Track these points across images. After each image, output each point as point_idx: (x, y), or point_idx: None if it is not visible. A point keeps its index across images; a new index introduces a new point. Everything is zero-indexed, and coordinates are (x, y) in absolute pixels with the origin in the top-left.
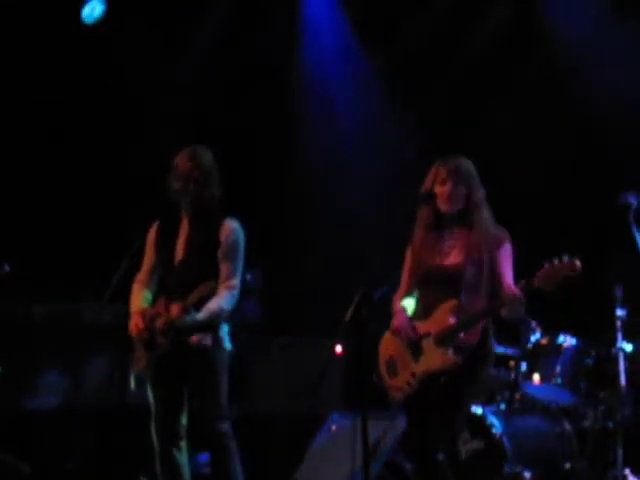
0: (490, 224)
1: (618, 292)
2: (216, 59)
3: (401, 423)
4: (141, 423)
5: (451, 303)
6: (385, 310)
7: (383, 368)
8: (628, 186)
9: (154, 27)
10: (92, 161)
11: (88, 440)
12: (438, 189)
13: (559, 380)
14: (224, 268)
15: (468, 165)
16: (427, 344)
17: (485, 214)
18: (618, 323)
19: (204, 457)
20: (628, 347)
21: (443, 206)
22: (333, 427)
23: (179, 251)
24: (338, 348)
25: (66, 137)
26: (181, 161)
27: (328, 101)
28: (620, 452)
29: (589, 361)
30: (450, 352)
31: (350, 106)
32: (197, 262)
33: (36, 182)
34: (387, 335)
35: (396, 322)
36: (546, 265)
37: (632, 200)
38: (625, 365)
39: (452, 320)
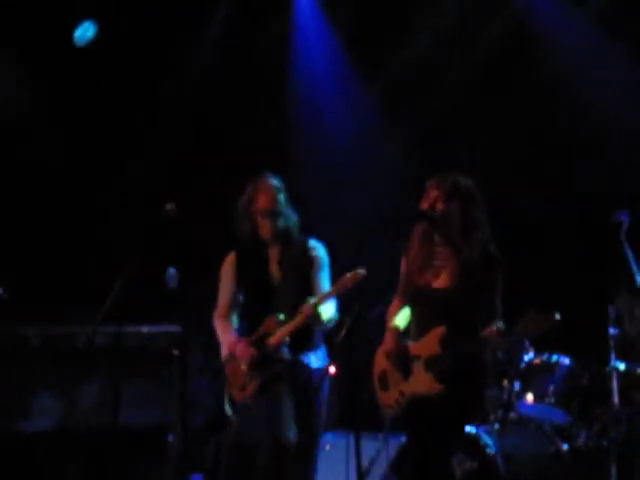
0: (480, 247)
1: (611, 311)
2: (209, 75)
3: (394, 443)
4: (134, 444)
5: (439, 330)
6: (380, 329)
7: (376, 381)
8: (620, 204)
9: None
10: (83, 183)
11: (81, 462)
12: (426, 206)
13: (553, 399)
14: (319, 284)
15: (464, 184)
16: (417, 367)
17: (478, 236)
18: (611, 342)
19: (197, 478)
20: (621, 366)
21: (429, 225)
22: (327, 447)
23: (275, 273)
24: (331, 368)
25: (56, 162)
26: (266, 188)
27: (320, 118)
28: (614, 471)
29: (582, 380)
30: (436, 379)
31: (342, 122)
32: (295, 280)
33: (28, 205)
34: (381, 349)
35: (386, 344)
36: (529, 315)
37: (624, 218)
38: (618, 384)
39: (439, 348)
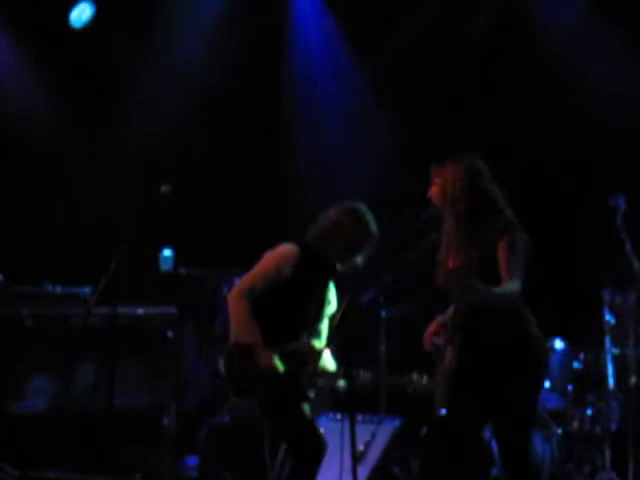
0: (462, 219)
1: (606, 296)
2: (202, 64)
3: (389, 427)
4: (129, 426)
5: (453, 305)
6: (375, 312)
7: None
8: (617, 188)
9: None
10: (78, 163)
11: (76, 444)
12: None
13: (547, 384)
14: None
15: (439, 164)
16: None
17: (451, 210)
18: (606, 327)
19: (192, 460)
20: (616, 351)
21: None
22: (321, 430)
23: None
24: (327, 352)
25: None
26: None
27: (316, 107)
28: (608, 455)
29: (577, 365)
30: (450, 352)
31: (338, 111)
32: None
33: (25, 186)
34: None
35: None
36: None
37: (620, 203)
38: (613, 368)
39: (455, 319)
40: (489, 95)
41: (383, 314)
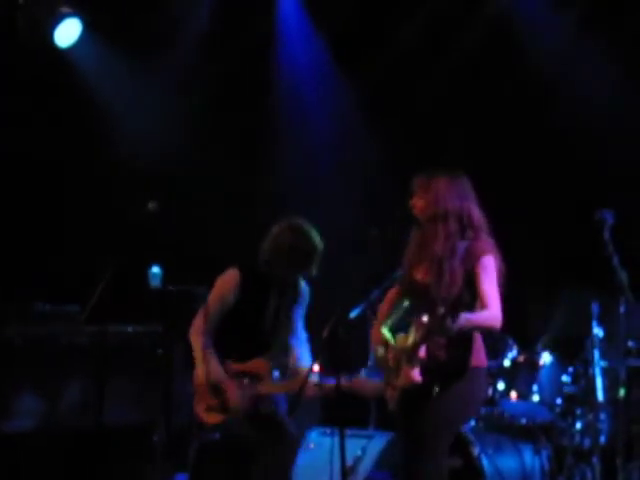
0: (455, 239)
1: (595, 309)
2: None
3: (379, 441)
4: (118, 444)
5: (418, 321)
6: (363, 327)
7: (385, 376)
8: (604, 202)
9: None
10: (64, 180)
11: (65, 462)
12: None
13: (536, 397)
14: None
15: (430, 177)
16: (403, 360)
17: (441, 226)
18: (595, 340)
19: (182, 478)
20: (605, 363)
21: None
22: (311, 445)
23: (273, 314)
24: (316, 367)
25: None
26: (313, 248)
27: (302, 119)
28: (598, 469)
29: (566, 378)
30: (415, 371)
31: (324, 122)
32: (287, 325)
33: (10, 202)
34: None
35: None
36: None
37: (608, 217)
38: (603, 382)
39: (418, 336)
40: (475, 110)
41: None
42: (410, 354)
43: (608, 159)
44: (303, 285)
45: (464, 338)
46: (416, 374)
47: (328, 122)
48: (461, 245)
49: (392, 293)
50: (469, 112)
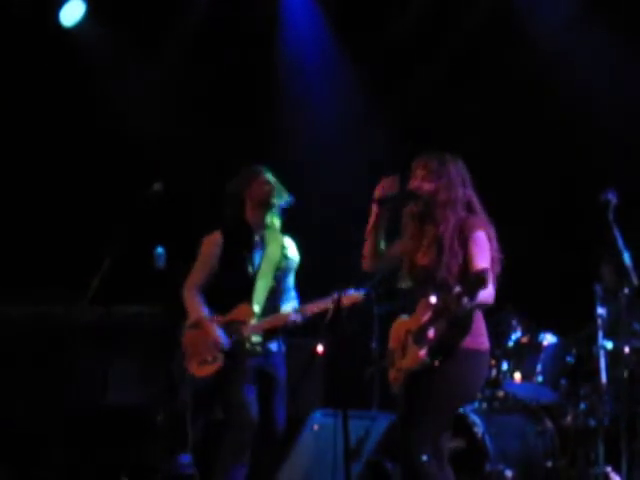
0: (459, 222)
1: (598, 290)
2: (196, 53)
3: (382, 423)
4: (122, 424)
5: (424, 302)
6: (367, 309)
7: (388, 357)
8: (608, 183)
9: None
10: (68, 161)
11: (69, 442)
12: (409, 186)
13: (540, 378)
14: (289, 283)
15: (441, 161)
16: (409, 341)
17: (450, 211)
18: (599, 321)
19: (186, 458)
20: (609, 345)
21: (410, 204)
22: (315, 427)
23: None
24: (319, 348)
25: (41, 137)
26: (264, 179)
27: (306, 101)
28: (601, 450)
29: (570, 359)
30: (422, 351)
31: (328, 103)
32: (271, 275)
33: (14, 185)
34: (395, 323)
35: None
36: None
37: (612, 197)
38: (606, 362)
39: (425, 318)
40: (478, 92)
41: (376, 310)
42: (418, 335)
43: (609, 141)
44: (290, 244)
45: (464, 319)
46: (424, 354)
47: (332, 103)
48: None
49: None
50: (471, 93)
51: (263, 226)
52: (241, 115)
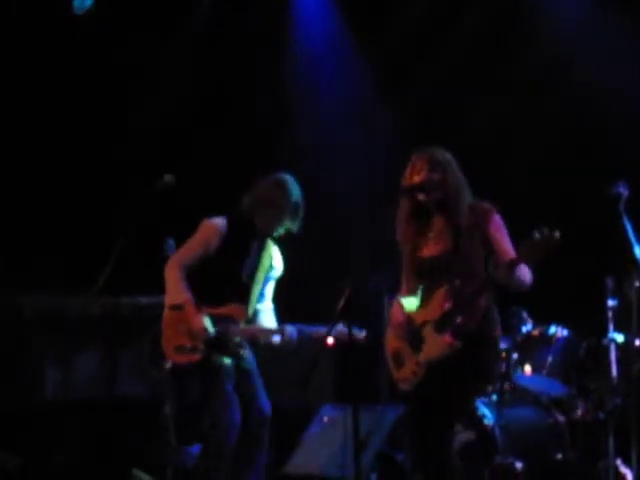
0: (467, 206)
1: (609, 283)
2: (207, 43)
3: (391, 415)
4: (131, 415)
5: (442, 290)
6: (379, 299)
7: (391, 362)
8: (619, 176)
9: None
10: (77, 153)
11: (78, 434)
12: (415, 179)
13: (550, 371)
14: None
15: (443, 153)
16: (427, 332)
17: (463, 198)
18: (609, 314)
19: (195, 449)
20: (619, 338)
21: (421, 196)
22: (325, 418)
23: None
24: (329, 340)
25: (49, 130)
26: (292, 202)
27: (317, 92)
28: (611, 443)
29: (580, 352)
30: (448, 337)
31: (339, 95)
32: (263, 281)
33: (22, 175)
34: (389, 329)
35: (393, 318)
36: (530, 239)
37: (623, 190)
38: (617, 355)
39: (447, 305)
40: (489, 84)
41: (387, 300)
42: (441, 323)
43: (620, 133)
44: (280, 258)
45: (485, 308)
46: (450, 339)
47: (343, 95)
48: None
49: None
50: (481, 84)
51: (268, 235)
52: (251, 110)
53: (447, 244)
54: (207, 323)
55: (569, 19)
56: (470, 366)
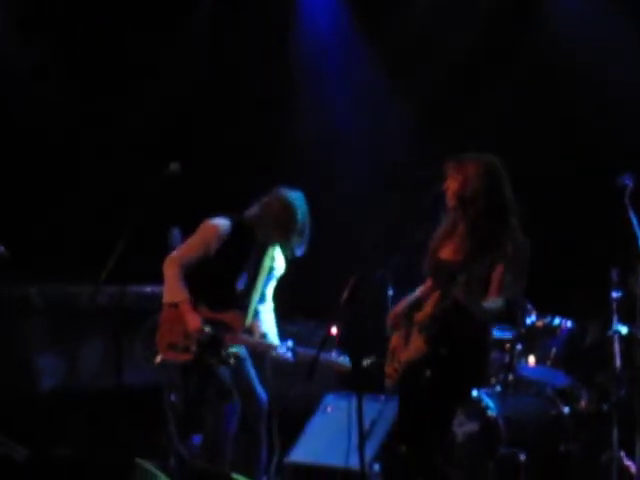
0: (480, 218)
1: (614, 274)
2: (213, 31)
3: (395, 405)
4: (136, 404)
5: (436, 294)
6: (384, 291)
7: (388, 356)
8: (624, 168)
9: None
10: (86, 142)
11: (84, 422)
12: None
13: (554, 362)
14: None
15: (473, 163)
16: (414, 332)
17: (473, 210)
18: (614, 305)
19: (197, 439)
20: (623, 329)
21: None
22: (329, 408)
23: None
24: (333, 329)
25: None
26: (296, 221)
27: (323, 84)
28: (615, 434)
29: (585, 343)
30: (422, 341)
31: (345, 87)
32: (262, 288)
33: (31, 164)
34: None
35: (395, 308)
36: None
37: (628, 182)
38: (620, 347)
39: (434, 309)
40: (498, 78)
41: (390, 292)
42: (423, 325)
43: (626, 125)
44: (282, 258)
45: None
46: (422, 343)
47: (349, 87)
48: (484, 230)
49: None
50: (488, 78)
51: (269, 245)
52: (257, 100)
53: (458, 254)
54: (203, 324)
55: (573, 10)
56: (442, 378)
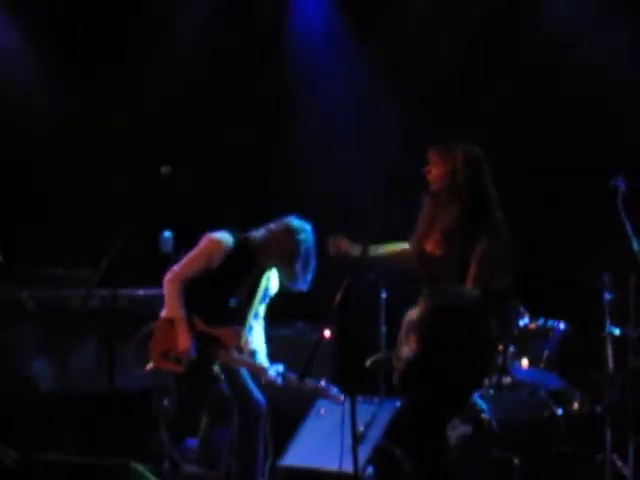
0: (466, 210)
1: (606, 277)
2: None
3: (389, 407)
4: (129, 408)
5: (426, 291)
6: (376, 293)
7: (397, 347)
8: (616, 170)
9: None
10: (78, 144)
11: (76, 426)
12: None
13: (547, 364)
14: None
15: (450, 149)
16: (412, 330)
17: (457, 199)
18: (606, 307)
19: (192, 442)
20: (616, 331)
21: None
22: (322, 411)
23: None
24: (326, 332)
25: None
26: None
27: (317, 85)
28: (608, 436)
29: (577, 345)
30: (414, 339)
31: (339, 88)
32: (256, 305)
33: (25, 168)
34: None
35: None
36: None
37: (621, 184)
38: (613, 349)
39: (424, 307)
40: (492, 79)
41: (383, 295)
42: (417, 324)
43: (623, 128)
44: (276, 278)
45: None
46: (414, 342)
47: (343, 88)
48: (469, 219)
49: None
50: (484, 78)
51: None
52: (252, 101)
53: (439, 246)
54: (192, 344)
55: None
56: (434, 376)
